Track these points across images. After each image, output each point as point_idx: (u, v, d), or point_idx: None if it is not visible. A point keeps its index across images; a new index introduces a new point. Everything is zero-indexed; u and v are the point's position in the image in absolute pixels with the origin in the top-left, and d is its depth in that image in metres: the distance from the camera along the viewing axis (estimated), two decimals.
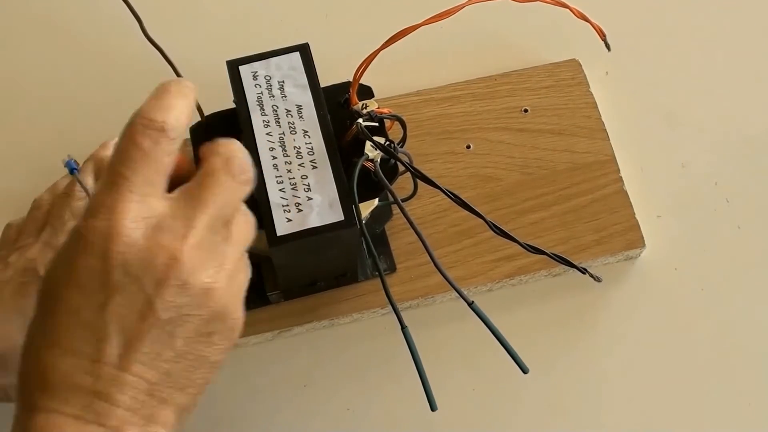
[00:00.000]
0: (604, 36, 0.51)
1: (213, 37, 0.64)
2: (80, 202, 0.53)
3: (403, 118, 0.52)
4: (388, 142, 0.48)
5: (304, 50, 0.50)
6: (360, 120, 0.48)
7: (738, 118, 0.61)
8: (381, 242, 0.56)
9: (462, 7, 0.45)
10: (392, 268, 0.55)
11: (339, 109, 0.50)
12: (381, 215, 0.55)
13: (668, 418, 0.53)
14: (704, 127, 0.61)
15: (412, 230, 0.49)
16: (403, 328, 0.44)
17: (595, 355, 0.55)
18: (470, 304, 0.43)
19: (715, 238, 0.58)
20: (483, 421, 0.54)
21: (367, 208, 0.53)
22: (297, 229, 0.46)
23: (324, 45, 0.53)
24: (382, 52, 0.46)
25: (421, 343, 0.44)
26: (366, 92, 0.51)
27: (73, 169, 0.54)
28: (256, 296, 0.54)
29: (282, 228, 0.46)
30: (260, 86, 0.49)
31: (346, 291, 0.55)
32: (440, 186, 0.46)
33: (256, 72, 0.50)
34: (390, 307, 0.45)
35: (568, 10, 0.49)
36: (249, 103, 0.49)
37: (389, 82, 0.60)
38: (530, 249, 0.47)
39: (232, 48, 0.52)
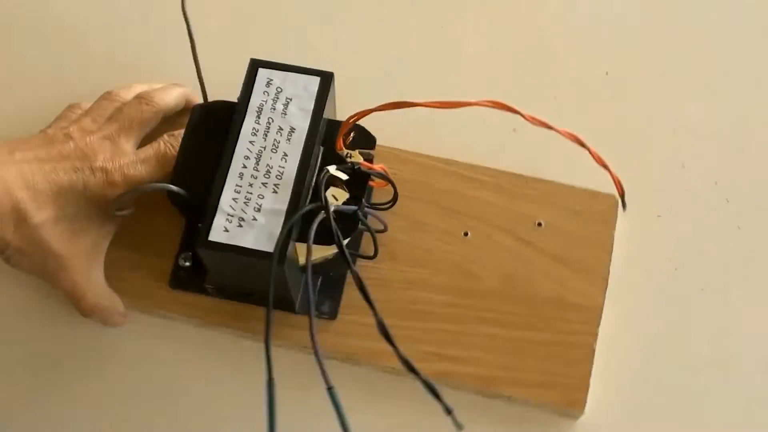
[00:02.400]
0: (623, 193, 0.48)
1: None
2: (150, 114, 0.54)
3: (394, 183, 0.51)
4: (355, 198, 0.47)
5: (325, 78, 0.50)
6: (331, 168, 0.47)
7: (738, 118, 0.61)
8: (334, 286, 0.55)
9: (468, 104, 0.43)
10: (332, 315, 0.54)
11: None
12: (340, 261, 0.54)
13: (665, 411, 0.54)
14: (704, 127, 0.60)
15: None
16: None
17: None
18: (329, 389, 0.42)
19: (715, 238, 0.58)
20: None
21: (323, 251, 0.52)
22: (227, 241, 0.46)
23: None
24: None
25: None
26: (367, 140, 0.50)
27: None
28: (196, 281, 0.54)
29: (215, 234, 0.46)
30: (268, 94, 0.49)
31: (282, 316, 0.54)
32: (360, 282, 0.44)
33: (272, 80, 0.50)
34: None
35: (587, 151, 0.45)
36: (249, 106, 0.49)
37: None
38: (403, 361, 0.44)
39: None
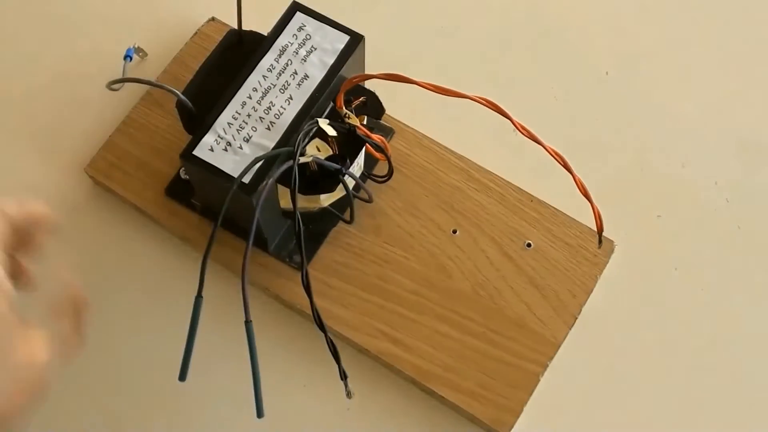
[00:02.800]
0: (601, 229, 0.47)
1: None
2: None
3: (389, 155, 0.51)
4: (342, 158, 0.48)
5: (354, 38, 0.51)
6: (321, 120, 0.48)
7: (738, 118, 0.61)
8: (314, 240, 0.56)
9: (463, 96, 0.44)
10: (298, 266, 0.55)
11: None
12: (322, 217, 0.55)
13: (666, 417, 0.54)
14: (704, 127, 0.61)
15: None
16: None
17: None
18: (246, 322, 0.43)
19: (715, 238, 0.58)
20: None
21: (308, 202, 0.53)
22: (207, 159, 0.48)
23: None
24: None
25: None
26: (377, 109, 0.51)
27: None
28: (189, 196, 0.56)
29: (200, 150, 0.48)
30: (296, 38, 0.50)
31: (255, 253, 0.56)
32: (299, 231, 0.44)
33: (305, 26, 0.51)
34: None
35: (572, 178, 0.45)
36: (274, 44, 0.50)
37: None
38: (315, 316, 0.44)
39: None
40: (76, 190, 0.60)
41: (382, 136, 0.52)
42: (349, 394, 0.44)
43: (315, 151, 0.48)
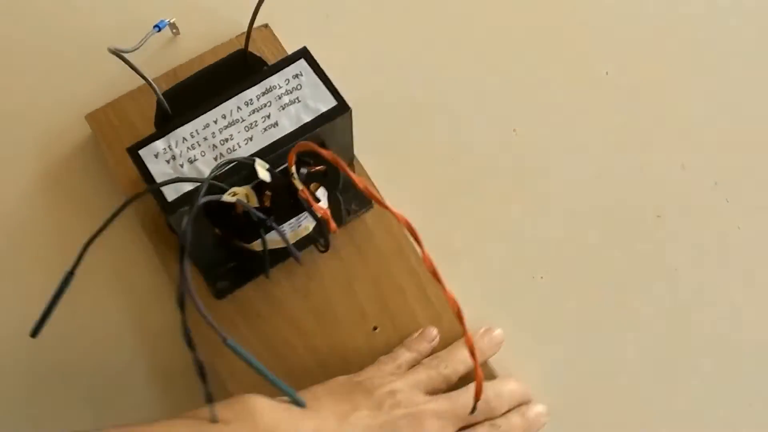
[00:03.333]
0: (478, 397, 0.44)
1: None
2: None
3: (327, 235, 0.50)
4: (266, 210, 0.47)
5: (341, 107, 0.49)
6: (259, 160, 0.46)
7: (738, 118, 0.61)
8: (245, 274, 0.55)
9: (386, 207, 0.42)
10: (219, 295, 0.55)
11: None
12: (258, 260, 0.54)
13: (669, 410, 0.54)
14: (704, 127, 0.60)
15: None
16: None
17: None
18: (224, 341, 0.40)
19: (715, 238, 0.58)
20: None
21: None
22: (147, 163, 0.48)
23: None
24: None
25: None
26: (334, 180, 0.50)
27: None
28: None
29: (146, 151, 0.49)
30: (287, 83, 0.50)
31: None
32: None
33: (300, 75, 0.50)
34: None
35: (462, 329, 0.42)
36: (264, 81, 0.50)
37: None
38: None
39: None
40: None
41: (357, 206, 0.50)
42: (214, 419, 0.42)
43: (230, 195, 0.46)
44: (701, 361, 0.55)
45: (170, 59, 0.61)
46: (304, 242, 0.52)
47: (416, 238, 0.41)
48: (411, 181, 0.59)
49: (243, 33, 0.61)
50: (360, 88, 0.54)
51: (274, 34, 0.62)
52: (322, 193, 0.50)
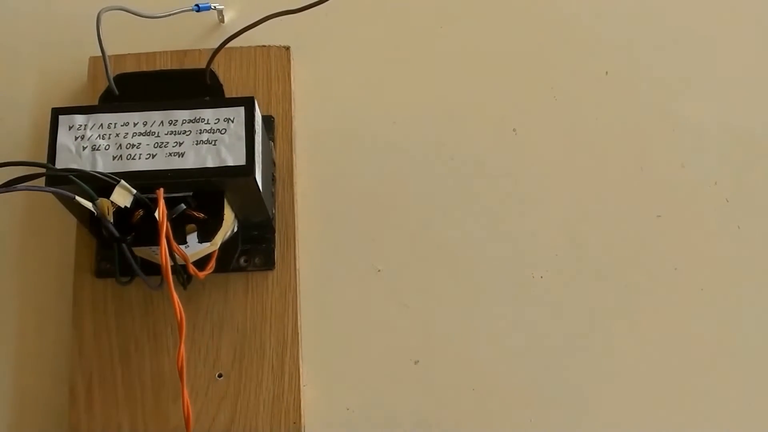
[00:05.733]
0: None
1: None
2: None
3: (189, 273, 0.49)
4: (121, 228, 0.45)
5: (246, 168, 0.46)
6: (123, 181, 0.44)
7: (738, 118, 0.61)
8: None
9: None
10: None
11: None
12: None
13: (666, 414, 0.54)
14: (704, 127, 0.60)
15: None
16: None
17: None
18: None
19: (715, 238, 0.57)
20: None
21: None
22: (59, 130, 0.47)
23: None
24: None
25: None
26: (207, 231, 0.47)
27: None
28: None
29: (65, 120, 0.47)
30: (218, 122, 0.47)
31: None
32: None
33: (232, 120, 0.48)
34: None
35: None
36: (199, 109, 0.48)
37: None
38: None
39: None
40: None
41: (259, 263, 0.50)
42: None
43: (104, 208, 0.44)
44: (701, 361, 0.54)
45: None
46: (180, 269, 0.50)
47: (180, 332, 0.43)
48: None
49: (266, 46, 0.59)
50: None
51: (288, 58, 0.59)
52: (193, 236, 0.47)
